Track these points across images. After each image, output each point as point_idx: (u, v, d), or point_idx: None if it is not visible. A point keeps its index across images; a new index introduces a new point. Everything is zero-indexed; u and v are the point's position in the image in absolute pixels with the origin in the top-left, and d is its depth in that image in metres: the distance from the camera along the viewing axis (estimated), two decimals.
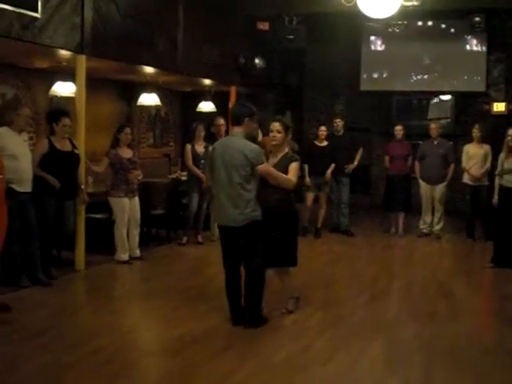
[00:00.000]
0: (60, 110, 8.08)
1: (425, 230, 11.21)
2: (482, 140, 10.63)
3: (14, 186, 6.76)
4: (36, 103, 9.46)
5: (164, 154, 12.91)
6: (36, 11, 6.90)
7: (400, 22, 13.12)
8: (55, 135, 7.60)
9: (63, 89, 9.13)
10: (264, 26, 11.88)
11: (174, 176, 11.19)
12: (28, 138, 8.81)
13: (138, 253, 8.78)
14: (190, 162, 9.76)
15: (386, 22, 12.87)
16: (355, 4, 10.03)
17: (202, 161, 9.62)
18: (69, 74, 8.63)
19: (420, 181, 11.16)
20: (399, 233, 11.30)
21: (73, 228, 7.91)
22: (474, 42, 13.77)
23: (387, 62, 14.36)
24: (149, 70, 9.68)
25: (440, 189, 10.98)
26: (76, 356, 5.17)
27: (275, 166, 6.15)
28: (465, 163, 10.66)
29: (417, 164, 11.17)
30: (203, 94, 12.52)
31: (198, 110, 12.45)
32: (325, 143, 10.95)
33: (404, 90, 14.32)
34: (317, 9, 11.31)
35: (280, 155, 6.26)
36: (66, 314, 6.39)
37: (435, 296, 7.47)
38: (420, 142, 11.61)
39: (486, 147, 10.58)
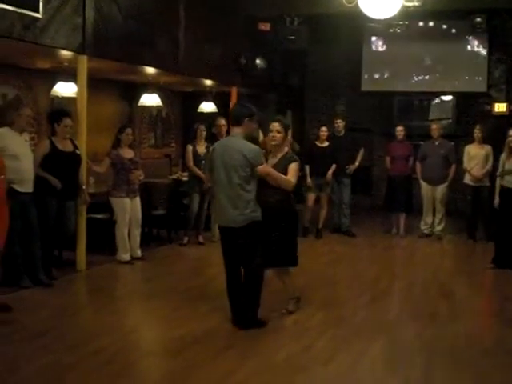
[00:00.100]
0: (61, 110, 8.09)
1: (426, 231, 11.21)
2: (484, 141, 10.63)
3: (15, 186, 6.77)
4: (37, 103, 9.47)
5: (165, 154, 12.90)
6: (37, 11, 6.92)
7: (401, 23, 13.11)
8: (56, 135, 7.61)
9: (65, 89, 9.13)
10: (265, 26, 11.88)
11: (175, 176, 11.18)
12: (29, 138, 8.80)
13: (139, 253, 8.79)
14: (191, 163, 9.77)
15: (388, 23, 12.87)
16: (356, 5, 10.03)
17: (203, 161, 9.61)
18: (70, 75, 8.64)
19: (421, 181, 11.16)
20: (400, 233, 11.30)
21: (74, 228, 7.91)
22: (476, 42, 13.78)
23: (388, 63, 14.37)
24: (150, 70, 9.69)
25: (441, 189, 10.97)
26: (77, 356, 5.18)
27: (274, 166, 6.15)
28: (466, 164, 10.66)
29: (418, 165, 11.17)
30: (204, 95, 12.52)
31: (199, 110, 12.46)
32: (326, 144, 10.95)
33: (405, 91, 14.33)
34: (318, 9, 11.31)
35: (279, 155, 6.26)
36: (67, 315, 6.40)
37: (436, 297, 7.47)
38: (421, 143, 11.61)
39: (487, 148, 10.58)
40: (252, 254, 5.90)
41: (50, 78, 9.30)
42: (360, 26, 13.65)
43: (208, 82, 11.54)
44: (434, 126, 11.25)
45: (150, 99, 11.35)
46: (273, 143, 6.24)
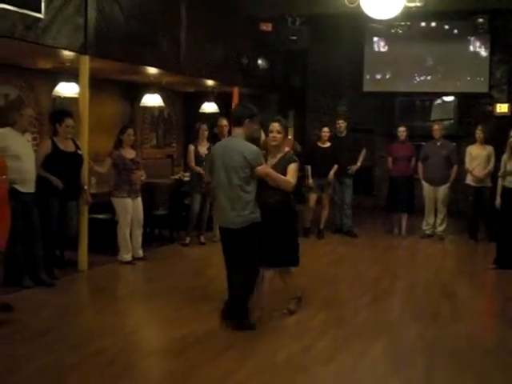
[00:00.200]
0: (63, 110, 8.10)
1: (428, 231, 11.20)
2: (485, 141, 10.63)
3: (17, 186, 6.77)
4: (39, 104, 9.48)
5: (167, 154, 12.94)
6: (39, 12, 6.92)
7: (403, 23, 13.12)
8: (58, 136, 7.62)
9: (66, 89, 9.14)
10: (267, 26, 11.88)
11: (176, 177, 11.20)
12: (31, 138, 8.83)
13: (140, 253, 8.80)
14: (192, 163, 9.76)
15: (389, 23, 12.87)
16: (358, 5, 10.02)
17: (205, 162, 9.62)
18: (72, 75, 8.65)
19: (423, 182, 11.15)
20: (402, 234, 11.30)
21: (76, 228, 7.92)
22: (478, 43, 13.79)
23: (390, 63, 14.38)
24: (152, 70, 9.70)
25: (443, 190, 10.97)
26: (79, 356, 5.18)
27: (274, 166, 6.14)
28: (468, 164, 10.65)
29: (420, 165, 11.16)
30: (206, 95, 12.54)
31: (200, 110, 12.47)
32: (327, 144, 10.95)
33: (407, 91, 14.33)
34: (320, 10, 11.30)
35: (279, 156, 6.25)
36: (68, 315, 6.40)
37: (438, 297, 7.47)
38: (423, 143, 11.60)
39: (489, 148, 10.58)
40: (249, 255, 5.90)
41: (52, 79, 9.31)
42: (362, 26, 13.67)
43: (210, 82, 11.55)
44: (435, 127, 11.25)
45: (152, 99, 11.36)
46: (273, 143, 6.24)
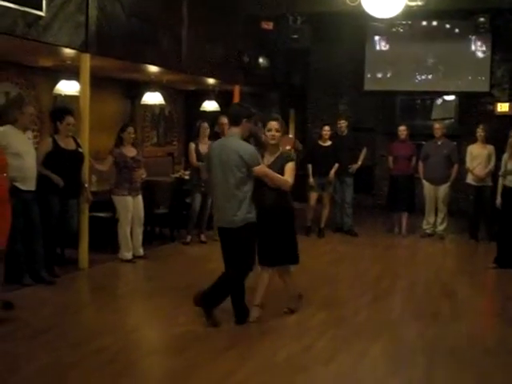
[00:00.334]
0: (64, 108, 8.09)
1: (428, 231, 11.21)
2: (486, 140, 10.63)
3: (17, 184, 6.76)
4: (40, 101, 9.48)
5: (168, 152, 12.94)
6: (40, 9, 6.92)
7: (404, 22, 13.15)
8: (59, 134, 7.62)
9: (67, 87, 9.13)
10: (268, 25, 11.87)
11: (177, 175, 11.20)
12: (32, 136, 8.84)
13: (141, 251, 8.80)
14: (194, 160, 9.74)
15: (391, 22, 12.88)
16: (359, 4, 10.00)
17: (203, 160, 9.62)
18: (73, 73, 8.65)
19: (424, 181, 11.15)
20: (402, 233, 11.31)
21: (76, 226, 7.92)
22: (479, 42, 13.77)
23: (391, 62, 14.36)
24: (153, 68, 9.70)
25: (444, 189, 10.97)
26: (79, 355, 5.19)
27: (271, 164, 6.13)
28: (469, 164, 10.65)
29: (420, 164, 11.16)
30: (207, 93, 12.52)
31: (201, 109, 12.46)
32: (328, 143, 10.95)
33: (408, 90, 14.32)
34: (321, 8, 11.29)
35: (276, 154, 6.23)
36: (69, 313, 6.41)
37: (438, 296, 7.48)
38: (424, 143, 11.60)
39: (490, 148, 10.57)
40: (243, 255, 5.93)
41: (53, 76, 9.30)
42: (363, 25, 13.66)
43: (211, 81, 11.55)
44: (436, 126, 11.25)
45: (153, 97, 11.35)
46: (272, 142, 6.21)
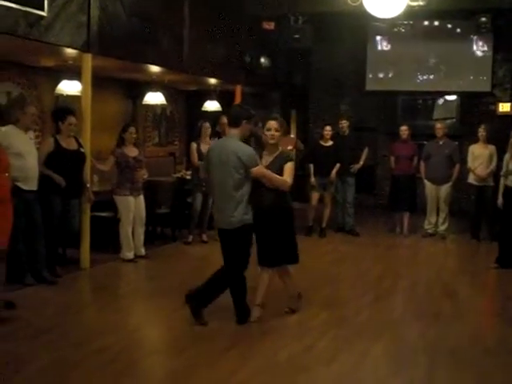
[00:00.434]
0: (66, 108, 8.10)
1: (430, 231, 11.21)
2: (488, 140, 10.62)
3: (19, 184, 6.77)
4: (42, 102, 9.48)
5: (169, 152, 12.94)
6: (42, 9, 6.92)
7: (406, 22, 13.17)
8: (61, 134, 7.63)
9: (69, 87, 9.14)
10: (269, 25, 11.88)
11: (178, 175, 11.20)
12: (34, 136, 8.84)
13: (143, 251, 8.81)
14: (196, 160, 9.74)
15: (392, 22, 12.89)
16: (361, 4, 10.02)
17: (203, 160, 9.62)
18: (75, 73, 8.65)
19: (425, 181, 11.16)
20: (404, 233, 11.31)
21: (78, 226, 7.93)
22: (480, 42, 13.77)
23: (393, 62, 14.36)
24: (154, 68, 9.70)
25: (445, 189, 10.97)
26: (81, 354, 5.20)
27: (270, 164, 6.12)
28: (470, 163, 10.65)
29: (422, 164, 11.16)
30: (208, 93, 12.53)
31: (203, 109, 12.46)
32: (330, 143, 10.95)
33: (409, 90, 14.33)
34: (323, 8, 11.30)
35: (275, 154, 6.21)
36: (71, 313, 6.42)
37: (439, 296, 7.48)
38: (425, 142, 11.59)
39: (492, 148, 10.58)
40: (237, 256, 5.96)
41: (55, 76, 9.31)
42: (364, 25, 13.66)
43: (212, 81, 11.55)
44: (438, 126, 11.25)
45: (155, 97, 11.36)
46: (271, 142, 6.18)
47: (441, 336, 5.93)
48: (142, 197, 8.72)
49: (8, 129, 6.95)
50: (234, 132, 5.99)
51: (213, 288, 6.05)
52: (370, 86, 14.54)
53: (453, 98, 14.14)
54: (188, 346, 5.50)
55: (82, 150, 7.77)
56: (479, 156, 10.58)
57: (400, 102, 14.45)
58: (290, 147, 10.53)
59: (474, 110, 13.96)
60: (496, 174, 10.07)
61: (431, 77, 14.24)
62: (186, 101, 13.68)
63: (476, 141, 10.79)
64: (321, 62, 14.99)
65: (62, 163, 7.48)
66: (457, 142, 11.59)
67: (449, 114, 14.06)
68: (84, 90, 8.02)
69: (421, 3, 10.48)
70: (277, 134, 6.16)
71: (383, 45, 14.44)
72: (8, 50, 7.83)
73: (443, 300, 7.29)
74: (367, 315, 6.57)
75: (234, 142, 5.92)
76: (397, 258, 9.93)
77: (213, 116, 11.56)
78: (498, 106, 13.71)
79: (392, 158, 11.44)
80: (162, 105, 11.98)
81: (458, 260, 10.07)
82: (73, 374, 4.83)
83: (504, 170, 8.88)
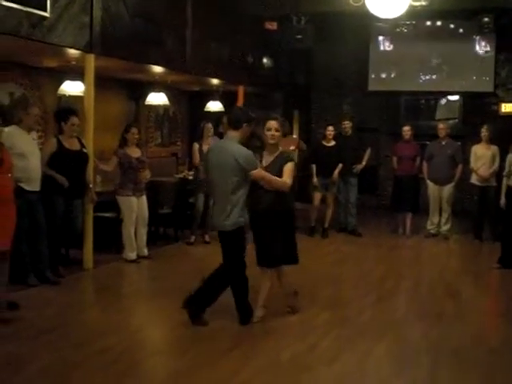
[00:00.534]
0: (68, 108, 8.12)
1: (432, 231, 11.20)
2: (490, 141, 10.61)
3: (22, 184, 6.78)
4: (44, 102, 9.49)
5: (172, 153, 12.95)
6: (45, 10, 6.93)
7: (408, 22, 13.16)
8: (64, 134, 7.64)
9: (72, 88, 9.15)
10: (272, 25, 11.88)
11: (181, 175, 11.21)
12: (37, 136, 8.84)
13: (145, 252, 8.82)
14: (197, 161, 9.75)
15: (395, 22, 12.88)
16: (363, 4, 10.02)
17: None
18: (77, 73, 8.66)
19: (428, 181, 11.15)
20: (406, 233, 11.30)
21: (81, 227, 7.94)
22: (483, 42, 13.73)
23: (395, 62, 14.34)
24: (157, 69, 9.70)
25: (448, 189, 10.96)
26: (83, 355, 5.20)
27: (270, 164, 6.12)
28: (473, 164, 10.64)
29: (424, 164, 11.15)
30: (211, 94, 12.53)
31: (205, 109, 12.47)
32: (332, 143, 10.95)
33: (412, 91, 14.30)
34: (325, 8, 11.30)
35: (275, 154, 6.20)
36: (73, 313, 6.42)
37: (442, 296, 7.47)
38: (428, 143, 11.58)
39: (494, 148, 10.56)
40: (232, 258, 5.98)
41: (57, 77, 9.32)
42: (367, 25, 13.64)
43: (215, 81, 11.55)
44: (440, 126, 11.24)
45: (157, 98, 11.37)
46: (271, 142, 6.16)
47: (444, 336, 5.93)
48: (144, 197, 8.73)
49: (11, 129, 6.94)
50: (234, 134, 5.97)
51: (211, 290, 6.05)
52: (372, 87, 14.53)
53: (455, 98, 14.12)
54: (190, 346, 5.50)
55: (84, 150, 7.78)
56: (482, 156, 10.57)
57: (402, 102, 14.43)
58: (292, 147, 10.53)
59: (477, 110, 13.92)
60: (499, 175, 10.05)
61: (434, 77, 14.22)
62: (189, 101, 13.69)
63: (479, 141, 10.78)
64: (323, 62, 14.98)
65: (65, 164, 7.49)
66: (459, 143, 11.58)
67: (451, 114, 14.04)
68: (87, 91, 8.03)
69: (423, 3, 10.48)
70: (277, 134, 6.14)
71: (386, 45, 14.43)
72: (11, 51, 7.84)
73: (446, 300, 7.29)
74: (370, 315, 6.57)
75: (232, 145, 5.90)
76: (399, 258, 9.93)
77: (215, 116, 11.57)
78: (500, 107, 13.72)
79: (394, 159, 11.43)
80: (164, 105, 11.99)
81: (461, 260, 10.06)
82: (74, 374, 4.84)
83: (506, 170, 8.87)
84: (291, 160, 6.20)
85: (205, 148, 9.75)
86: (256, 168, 5.87)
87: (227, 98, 12.28)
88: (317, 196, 10.93)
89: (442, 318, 6.57)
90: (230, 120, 6.10)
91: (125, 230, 8.56)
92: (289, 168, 6.08)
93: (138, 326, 6.16)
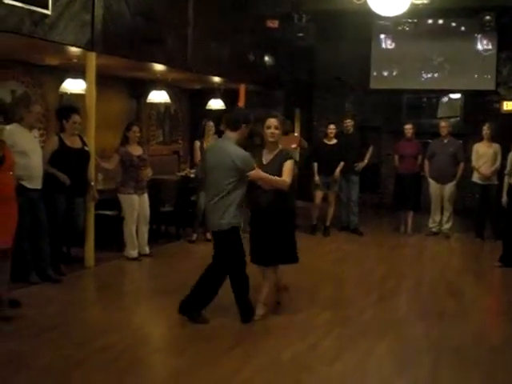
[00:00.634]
0: (70, 106, 8.12)
1: (434, 229, 11.19)
2: (492, 139, 10.60)
3: (24, 182, 6.78)
4: (46, 100, 9.50)
5: (173, 151, 12.95)
6: (47, 8, 6.93)
7: (410, 20, 13.13)
8: (65, 132, 7.64)
9: (73, 86, 9.16)
10: (273, 23, 11.87)
11: (182, 173, 11.21)
12: (38, 134, 8.85)
13: (147, 250, 8.82)
14: (199, 159, 9.75)
15: (396, 20, 12.85)
16: (365, 2, 9.98)
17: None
18: (79, 71, 8.67)
19: (429, 179, 11.14)
20: (408, 232, 11.29)
21: (82, 225, 7.94)
22: (484, 40, 13.70)
23: (397, 61, 14.32)
24: (158, 67, 9.71)
25: (449, 188, 10.95)
26: (85, 353, 5.20)
27: (269, 162, 6.11)
28: (474, 162, 10.64)
29: (426, 163, 11.14)
30: (212, 92, 12.53)
31: (207, 107, 12.46)
32: (334, 141, 10.94)
33: (414, 89, 14.29)
34: (326, 6, 11.29)
35: (275, 152, 6.18)
36: (75, 311, 6.43)
37: (444, 295, 7.47)
38: (429, 141, 11.57)
39: (496, 146, 10.55)
40: (225, 258, 5.98)
41: (59, 75, 9.32)
42: (369, 23, 13.63)
43: (216, 79, 11.55)
44: (442, 124, 11.23)
45: (159, 96, 11.36)
46: (271, 140, 6.14)
47: (445, 335, 5.93)
48: (146, 195, 8.73)
49: (13, 127, 6.95)
50: (232, 135, 5.95)
51: (204, 291, 6.05)
52: (374, 85, 14.51)
53: (457, 96, 14.11)
54: (191, 344, 5.50)
55: (86, 148, 7.78)
56: (483, 154, 10.56)
57: (404, 100, 14.42)
58: (293, 146, 10.53)
59: (479, 108, 13.90)
60: (500, 173, 10.05)
61: (435, 75, 14.20)
62: (190, 99, 13.69)
63: (480, 139, 10.77)
64: (325, 60, 14.95)
65: (67, 162, 7.49)
66: (461, 141, 11.56)
67: (453, 112, 14.03)
68: (88, 89, 8.04)
69: (425, 1, 10.45)
70: (277, 132, 6.13)
71: (387, 43, 14.40)
72: (12, 49, 7.84)
73: (447, 299, 7.28)
74: (371, 314, 6.57)
75: (229, 146, 5.88)
76: (401, 257, 9.92)
77: (217, 114, 11.55)
78: (502, 105, 13.70)
79: (396, 157, 11.42)
80: (166, 103, 11.99)
81: (462, 259, 10.05)
82: (76, 372, 4.84)
83: (508, 168, 8.88)
84: (291, 158, 6.18)
85: (206, 146, 9.77)
86: (253, 169, 5.85)
87: (228, 96, 12.28)
88: (318, 194, 10.92)
89: (444, 316, 6.56)
90: (228, 120, 6.06)
91: (126, 227, 8.57)
92: (288, 166, 6.06)
93: (139, 324, 6.16)
